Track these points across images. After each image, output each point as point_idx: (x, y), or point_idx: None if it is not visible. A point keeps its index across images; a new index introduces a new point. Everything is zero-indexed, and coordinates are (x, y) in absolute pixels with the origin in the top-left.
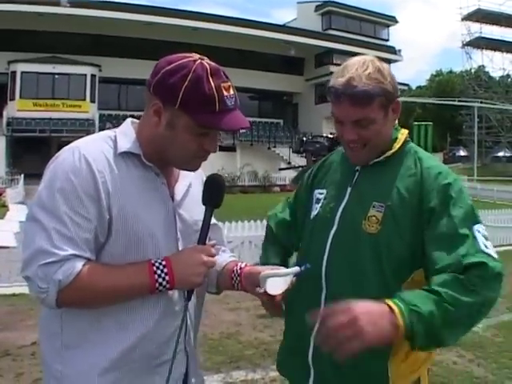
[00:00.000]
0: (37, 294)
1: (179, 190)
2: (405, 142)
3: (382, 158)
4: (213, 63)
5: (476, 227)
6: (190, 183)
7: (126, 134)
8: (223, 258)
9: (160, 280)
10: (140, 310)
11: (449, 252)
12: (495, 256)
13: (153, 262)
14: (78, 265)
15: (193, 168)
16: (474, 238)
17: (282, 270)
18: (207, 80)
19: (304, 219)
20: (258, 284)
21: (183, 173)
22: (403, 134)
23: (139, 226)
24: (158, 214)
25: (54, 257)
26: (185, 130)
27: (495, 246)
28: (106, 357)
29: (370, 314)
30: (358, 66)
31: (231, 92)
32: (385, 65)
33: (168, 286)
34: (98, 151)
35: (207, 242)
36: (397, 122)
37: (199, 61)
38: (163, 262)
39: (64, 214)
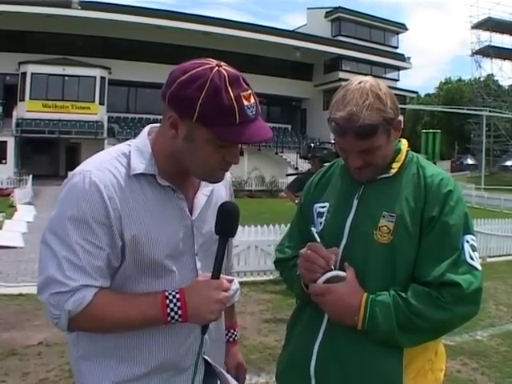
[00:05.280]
0: (50, 318)
1: (199, 200)
2: (407, 152)
3: (390, 174)
4: (231, 70)
5: (466, 237)
6: (212, 189)
7: (141, 151)
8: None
9: (172, 314)
10: (155, 328)
11: (433, 266)
12: (479, 268)
13: (166, 294)
14: (89, 295)
15: (215, 180)
16: (462, 248)
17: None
18: (226, 90)
19: (308, 234)
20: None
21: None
22: (405, 144)
23: (153, 248)
24: (173, 233)
25: (64, 287)
26: (204, 143)
27: (501, 256)
28: (120, 373)
29: (339, 307)
30: (358, 96)
31: (252, 101)
32: (382, 85)
33: (180, 319)
34: (109, 175)
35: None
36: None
37: (216, 68)
38: (177, 296)
39: (75, 243)
